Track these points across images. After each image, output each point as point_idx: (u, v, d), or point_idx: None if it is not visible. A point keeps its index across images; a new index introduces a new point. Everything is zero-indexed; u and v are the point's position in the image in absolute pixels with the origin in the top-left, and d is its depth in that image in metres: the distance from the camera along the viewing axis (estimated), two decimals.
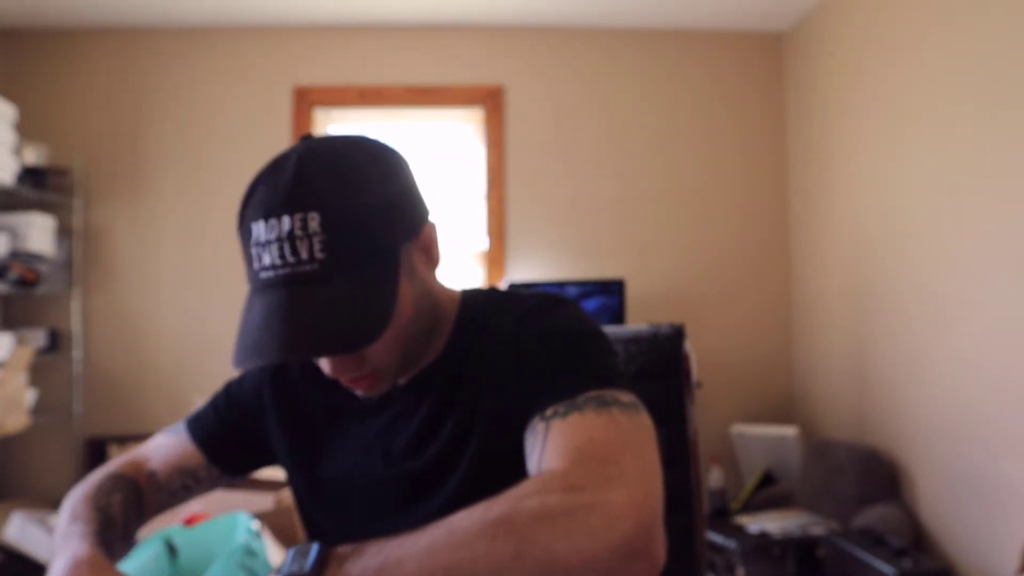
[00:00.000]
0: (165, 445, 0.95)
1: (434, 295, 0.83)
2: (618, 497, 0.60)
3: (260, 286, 0.72)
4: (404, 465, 0.84)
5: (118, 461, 0.94)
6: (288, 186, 0.71)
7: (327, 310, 0.69)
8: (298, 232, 0.69)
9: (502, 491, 0.72)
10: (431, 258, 0.81)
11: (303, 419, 0.91)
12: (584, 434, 0.67)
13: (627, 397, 0.72)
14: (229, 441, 0.94)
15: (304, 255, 0.69)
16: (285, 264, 0.70)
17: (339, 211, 0.70)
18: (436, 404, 0.83)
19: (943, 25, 2.41)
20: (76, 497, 0.86)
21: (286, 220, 0.69)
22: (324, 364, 0.76)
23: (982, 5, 2.23)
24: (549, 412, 0.71)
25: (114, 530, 0.83)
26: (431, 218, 0.81)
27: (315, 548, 0.63)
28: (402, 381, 0.86)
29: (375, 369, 0.77)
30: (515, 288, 0.90)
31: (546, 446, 0.68)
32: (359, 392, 0.80)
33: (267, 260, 0.70)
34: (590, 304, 3.19)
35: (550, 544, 0.58)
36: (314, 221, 0.69)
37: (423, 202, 0.80)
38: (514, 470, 0.77)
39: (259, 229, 0.71)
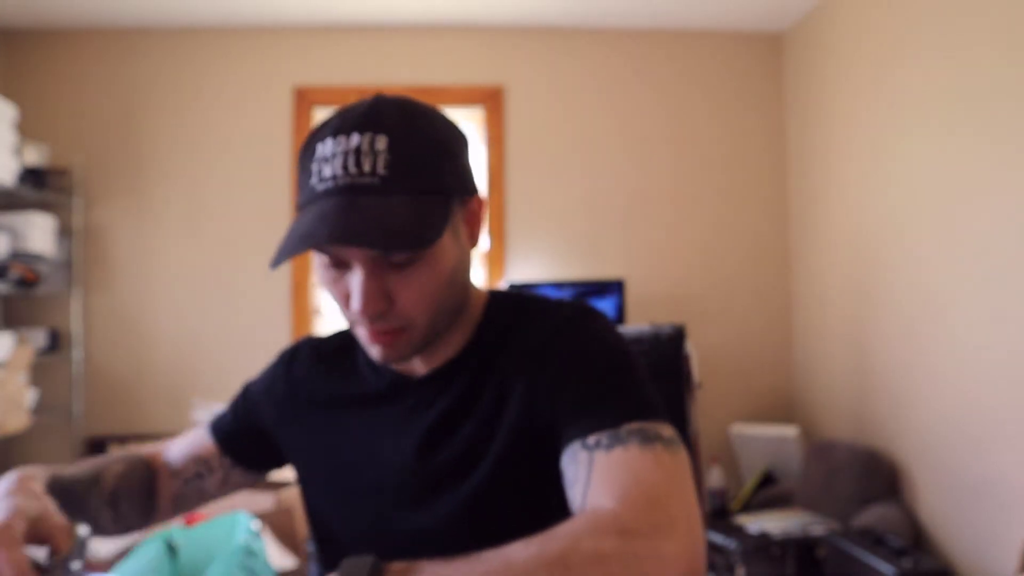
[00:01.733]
0: (183, 439, 1.00)
1: (467, 276, 0.83)
2: (670, 548, 0.62)
3: (316, 195, 0.73)
4: (416, 461, 0.83)
5: (142, 448, 0.99)
6: (362, 111, 0.74)
7: (382, 213, 0.70)
8: (365, 148, 0.72)
9: (517, 498, 0.73)
10: (473, 233, 0.83)
11: (313, 412, 0.91)
12: (630, 472, 0.67)
13: (668, 431, 0.72)
14: (242, 435, 0.97)
15: (367, 168, 0.71)
16: (347, 174, 0.71)
17: (407, 138, 0.73)
18: (454, 403, 0.83)
19: (942, 25, 2.41)
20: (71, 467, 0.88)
21: (355, 136, 0.72)
22: (356, 297, 0.74)
23: (982, 5, 2.23)
24: (592, 441, 0.71)
25: (89, 488, 0.85)
26: (480, 196, 0.83)
27: (368, 561, 0.62)
28: (421, 370, 0.86)
29: (403, 323, 0.76)
30: (540, 294, 0.90)
31: (591, 479, 0.69)
32: (379, 352, 0.78)
33: (328, 172, 0.72)
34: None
35: None
36: (382, 142, 0.72)
37: (474, 175, 0.82)
38: (530, 479, 0.78)
39: (326, 146, 0.73)
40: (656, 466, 0.68)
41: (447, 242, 0.77)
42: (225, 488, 0.98)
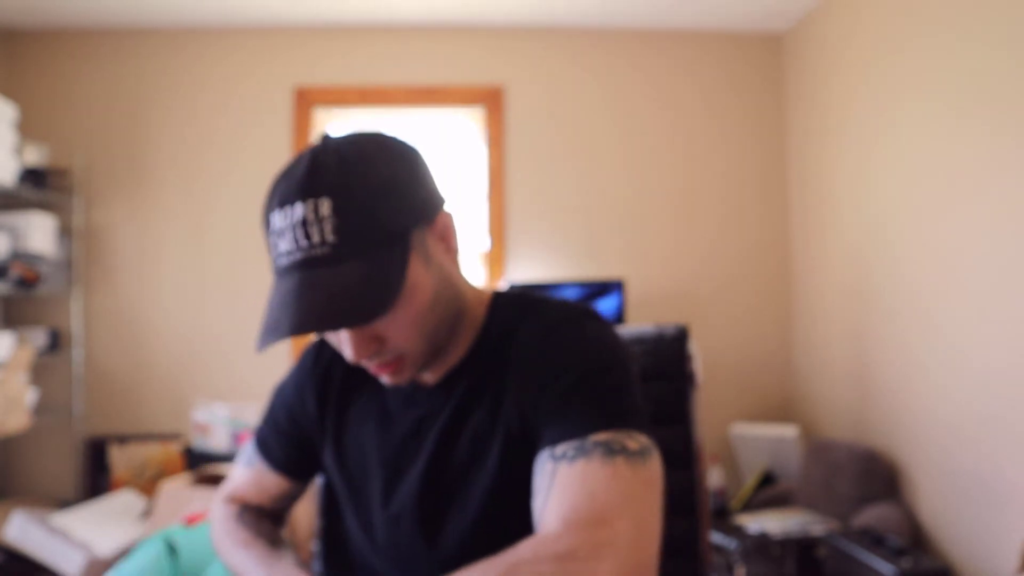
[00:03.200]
0: (252, 480, 1.00)
1: (457, 287, 0.83)
2: (607, 568, 0.63)
3: (279, 272, 0.75)
4: (429, 467, 0.85)
5: (223, 502, 1.00)
6: (301, 175, 0.74)
7: (337, 289, 0.71)
8: (310, 217, 0.72)
9: (520, 502, 0.75)
10: (449, 247, 0.82)
11: (344, 415, 0.93)
12: (585, 489, 0.68)
13: (635, 443, 0.72)
14: (298, 454, 0.98)
15: (316, 239, 0.72)
16: (298, 248, 0.72)
17: (347, 195, 0.72)
18: (459, 406, 0.85)
19: (943, 26, 2.41)
20: (238, 539, 0.91)
21: (299, 207, 0.72)
22: (346, 348, 0.76)
23: (984, 4, 2.24)
24: (559, 451, 0.73)
25: (287, 549, 0.90)
26: (447, 208, 0.82)
27: None
28: (431, 379, 0.87)
29: (398, 354, 0.79)
30: (545, 294, 0.90)
31: (550, 494, 0.71)
32: (385, 380, 0.82)
33: (283, 247, 0.73)
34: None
35: None
36: (325, 206, 0.72)
37: (437, 191, 0.81)
38: (528, 485, 0.78)
39: (275, 218, 0.74)
40: (613, 481, 0.68)
41: (418, 273, 0.76)
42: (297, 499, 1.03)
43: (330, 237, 0.71)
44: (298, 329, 0.70)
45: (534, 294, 0.90)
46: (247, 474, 1.01)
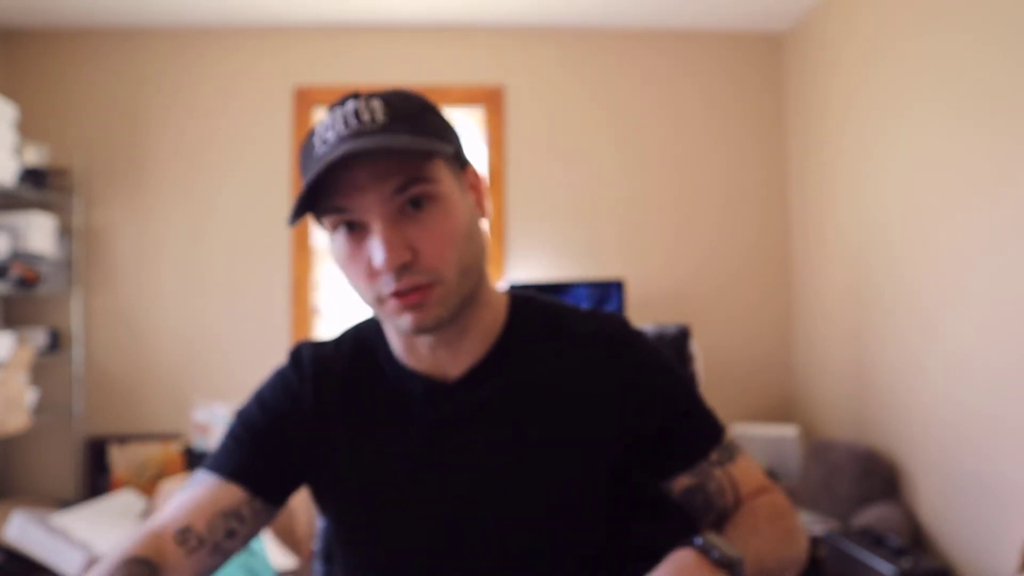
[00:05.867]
0: (191, 498, 0.81)
1: (483, 247, 0.82)
2: (800, 522, 0.86)
3: (320, 157, 0.73)
4: (456, 465, 0.82)
5: (135, 538, 0.76)
6: (348, 96, 0.77)
7: (388, 141, 0.72)
8: (362, 108, 0.74)
9: (568, 510, 0.83)
10: (479, 201, 0.83)
11: (343, 422, 0.86)
12: (754, 474, 0.88)
13: (730, 436, 0.89)
14: (268, 468, 0.84)
15: (366, 119, 0.73)
16: (347, 128, 0.73)
17: (401, 102, 0.76)
18: (493, 407, 0.82)
19: (944, 24, 2.41)
20: None
21: (350, 103, 0.75)
22: (377, 252, 0.72)
23: (984, 4, 2.24)
24: (714, 458, 0.86)
25: None
26: (476, 169, 0.84)
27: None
28: (452, 371, 0.83)
29: (431, 278, 0.74)
30: (563, 301, 0.91)
31: (737, 487, 0.86)
32: (411, 319, 0.75)
33: (330, 135, 0.74)
34: (590, 304, 3.19)
35: (796, 551, 0.82)
36: (376, 103, 0.75)
37: (465, 148, 0.84)
38: (580, 495, 0.82)
39: (323, 121, 0.76)
40: (756, 467, 0.89)
41: (453, 190, 0.77)
42: (249, 538, 0.83)
43: (381, 118, 0.73)
44: (352, 153, 0.69)
45: (554, 300, 0.91)
46: (183, 496, 0.82)
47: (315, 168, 0.71)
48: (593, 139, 3.50)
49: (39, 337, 3.12)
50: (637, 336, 0.88)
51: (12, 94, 3.20)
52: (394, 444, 0.83)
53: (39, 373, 3.15)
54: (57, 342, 3.20)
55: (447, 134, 0.79)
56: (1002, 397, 2.17)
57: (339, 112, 0.74)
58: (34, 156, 3.10)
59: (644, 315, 3.38)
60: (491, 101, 3.47)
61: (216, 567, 0.80)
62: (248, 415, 0.88)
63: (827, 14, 3.18)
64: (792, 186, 3.54)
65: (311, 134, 0.76)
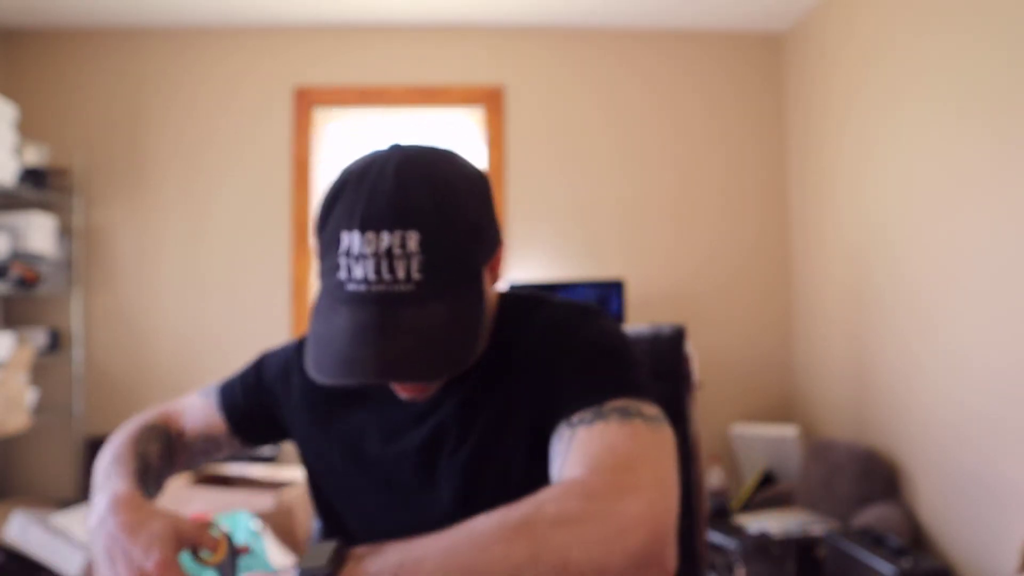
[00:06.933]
0: (197, 407, 1.00)
1: (491, 306, 0.84)
2: (633, 508, 0.62)
3: (348, 298, 0.71)
4: (428, 457, 0.84)
5: (154, 412, 0.99)
6: (389, 199, 0.70)
7: (422, 334, 0.69)
8: (397, 251, 0.69)
9: (526, 492, 0.72)
10: (495, 277, 0.82)
11: (330, 404, 0.91)
12: (606, 443, 0.69)
13: (651, 410, 0.73)
14: (252, 416, 0.98)
15: (401, 275, 0.69)
16: (380, 281, 0.69)
17: (438, 233, 0.70)
18: (467, 403, 0.83)
19: (944, 24, 2.41)
20: (118, 441, 0.90)
21: (385, 236, 0.69)
22: (401, 389, 0.79)
23: (984, 4, 2.23)
24: (576, 418, 0.72)
25: (151, 474, 0.88)
26: (502, 242, 0.82)
27: (332, 546, 0.63)
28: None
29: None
30: (550, 294, 0.90)
31: (569, 453, 0.70)
32: (406, 397, 0.81)
33: (359, 273, 0.70)
34: None
35: (565, 550, 0.60)
36: (412, 240, 0.69)
37: (498, 223, 0.81)
38: (536, 472, 0.78)
39: (353, 240, 0.70)
40: (632, 437, 0.69)
41: (478, 305, 0.77)
42: (225, 457, 1.03)
43: (416, 275, 0.69)
44: (384, 375, 0.68)
45: (539, 294, 0.90)
46: (195, 400, 1.01)
47: (346, 359, 0.69)
48: (593, 139, 3.50)
49: (39, 337, 3.12)
50: (583, 312, 0.84)
51: (12, 94, 3.20)
52: (371, 429, 0.88)
53: (39, 373, 3.16)
54: (57, 342, 3.20)
55: (485, 249, 0.76)
56: (1002, 397, 2.16)
57: (372, 246, 0.69)
58: (34, 156, 3.10)
59: (644, 315, 3.38)
60: (491, 101, 3.47)
61: (194, 465, 1.01)
62: (261, 366, 0.99)
63: (827, 14, 3.17)
64: (792, 186, 3.54)
65: (337, 225, 0.71)
